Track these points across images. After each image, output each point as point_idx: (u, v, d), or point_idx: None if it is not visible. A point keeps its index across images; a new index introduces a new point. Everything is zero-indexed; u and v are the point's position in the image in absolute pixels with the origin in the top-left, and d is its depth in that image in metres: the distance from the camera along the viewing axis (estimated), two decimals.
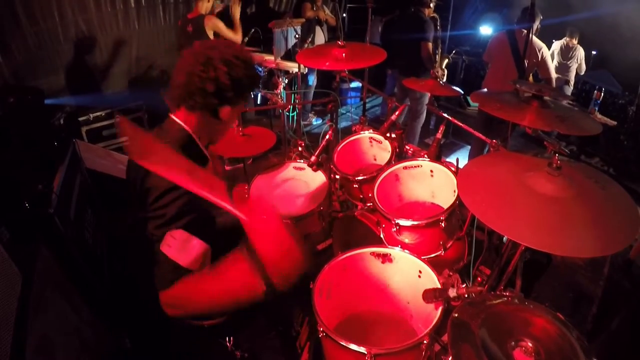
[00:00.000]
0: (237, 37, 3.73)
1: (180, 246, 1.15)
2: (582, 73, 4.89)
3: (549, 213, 1.11)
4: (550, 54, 4.78)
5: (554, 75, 3.48)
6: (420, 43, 3.73)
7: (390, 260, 1.60)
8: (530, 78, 3.61)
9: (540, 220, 1.10)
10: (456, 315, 1.11)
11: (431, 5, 3.83)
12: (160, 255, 1.15)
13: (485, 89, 3.61)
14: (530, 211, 1.13)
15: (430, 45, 3.73)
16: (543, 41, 3.38)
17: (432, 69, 3.76)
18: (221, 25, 3.63)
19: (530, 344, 1.02)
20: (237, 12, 3.72)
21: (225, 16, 3.79)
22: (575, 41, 4.73)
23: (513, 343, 1.03)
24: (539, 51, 3.32)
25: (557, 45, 4.85)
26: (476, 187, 1.27)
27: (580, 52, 4.75)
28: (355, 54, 2.17)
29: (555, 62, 4.83)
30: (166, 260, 1.14)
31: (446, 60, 4.28)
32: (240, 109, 1.34)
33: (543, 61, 3.37)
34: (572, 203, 1.13)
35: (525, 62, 3.16)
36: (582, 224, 1.08)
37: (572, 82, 4.87)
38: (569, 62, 4.77)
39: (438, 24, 4.01)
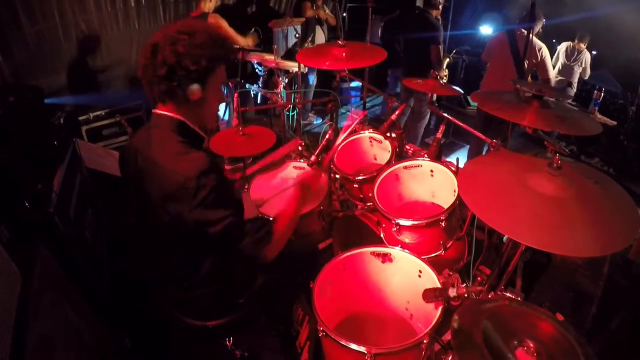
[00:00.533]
0: (239, 39, 3.76)
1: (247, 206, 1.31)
2: (587, 77, 4.81)
3: (549, 213, 1.11)
4: (555, 55, 4.75)
5: (552, 75, 3.47)
6: (429, 45, 3.72)
7: (391, 260, 1.60)
8: (529, 78, 3.61)
9: (540, 220, 1.10)
10: (459, 313, 1.11)
11: (440, 7, 3.82)
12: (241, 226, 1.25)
13: (484, 89, 3.62)
14: (531, 211, 1.13)
15: (440, 47, 3.73)
16: (543, 41, 3.38)
17: (439, 71, 3.77)
18: (224, 24, 3.63)
19: (532, 345, 1.03)
20: (250, 43, 3.92)
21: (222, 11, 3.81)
22: (583, 45, 4.64)
23: (516, 342, 1.04)
24: (539, 51, 3.32)
25: (563, 46, 4.79)
26: (477, 186, 1.27)
27: (587, 57, 4.67)
28: (355, 54, 2.17)
29: (560, 63, 4.78)
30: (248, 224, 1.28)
31: (447, 60, 4.27)
32: (214, 84, 1.24)
33: (542, 61, 3.36)
34: (572, 203, 1.13)
35: (525, 62, 3.16)
36: (582, 223, 1.08)
37: (574, 85, 4.83)
38: (572, 64, 4.71)
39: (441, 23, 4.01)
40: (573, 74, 4.73)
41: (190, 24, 1.19)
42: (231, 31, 3.68)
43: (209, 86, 1.22)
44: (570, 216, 1.10)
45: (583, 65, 4.71)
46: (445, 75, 4.22)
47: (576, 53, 4.69)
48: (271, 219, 1.36)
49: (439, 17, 3.98)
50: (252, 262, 1.32)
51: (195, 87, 1.18)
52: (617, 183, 1.24)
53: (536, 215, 1.11)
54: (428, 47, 3.73)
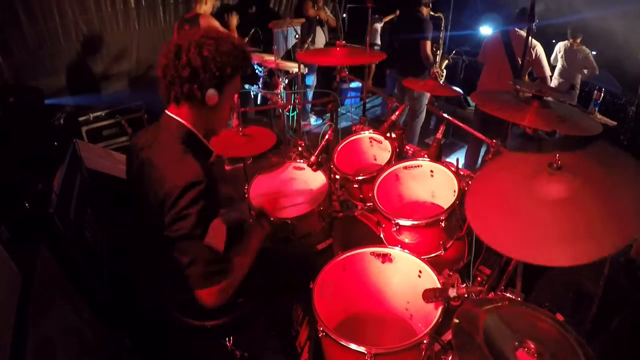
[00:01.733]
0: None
1: (215, 233, 1.17)
2: (597, 72, 4.62)
3: (557, 220, 1.06)
4: (553, 56, 4.72)
5: (548, 73, 3.46)
6: (419, 42, 3.73)
7: (390, 260, 1.60)
8: (526, 77, 3.60)
9: (548, 232, 1.05)
10: (459, 313, 1.11)
11: (430, 5, 3.82)
12: (200, 251, 1.15)
13: (481, 90, 3.62)
14: (537, 223, 1.07)
15: (428, 44, 3.73)
16: (540, 42, 3.38)
17: (431, 68, 3.77)
18: (216, 24, 3.65)
19: (532, 345, 1.03)
20: (233, 22, 3.88)
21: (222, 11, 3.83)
22: (579, 41, 4.55)
23: (516, 343, 1.04)
24: (533, 49, 3.31)
25: (560, 47, 4.72)
26: (483, 208, 1.23)
27: (586, 53, 4.55)
28: (355, 54, 2.18)
29: (560, 65, 4.70)
30: (209, 252, 1.16)
31: (445, 62, 4.26)
32: (230, 92, 1.28)
33: (537, 60, 3.36)
34: (576, 202, 1.08)
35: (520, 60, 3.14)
36: (592, 221, 1.03)
37: (578, 86, 4.71)
38: (577, 67, 4.60)
39: (442, 24, 4.01)
40: (575, 76, 4.67)
41: (216, 31, 1.23)
42: (224, 31, 3.71)
43: (226, 93, 1.25)
44: (577, 217, 1.05)
45: (589, 63, 4.58)
46: (442, 76, 4.21)
47: (575, 53, 4.60)
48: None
49: (441, 16, 3.98)
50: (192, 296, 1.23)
51: (212, 92, 1.21)
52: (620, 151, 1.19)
53: (544, 228, 1.06)
54: (418, 45, 3.74)
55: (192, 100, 1.21)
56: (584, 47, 4.59)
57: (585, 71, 4.63)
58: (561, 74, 4.69)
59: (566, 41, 4.70)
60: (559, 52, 4.74)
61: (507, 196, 1.21)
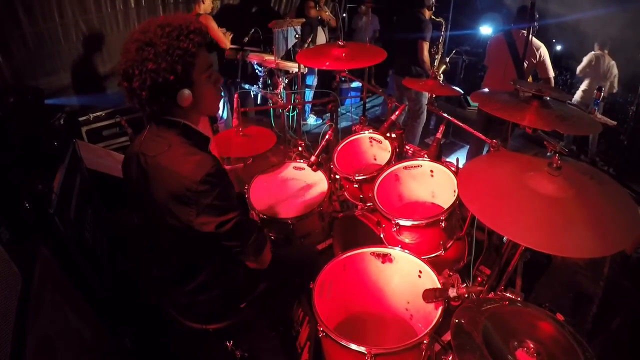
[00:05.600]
0: (225, 41, 3.91)
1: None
2: (615, 90, 4.50)
3: (549, 213, 1.11)
4: (581, 68, 4.55)
5: (552, 74, 3.47)
6: (417, 43, 3.73)
7: (391, 260, 1.60)
8: (530, 78, 3.60)
9: (540, 221, 1.09)
10: (459, 313, 1.11)
11: (433, 8, 3.82)
12: (250, 226, 1.31)
13: (486, 90, 3.61)
14: (530, 211, 1.12)
15: (426, 45, 3.73)
16: (542, 41, 3.38)
17: (425, 67, 3.77)
18: (214, 25, 3.74)
19: (532, 345, 1.03)
20: (227, 43, 3.98)
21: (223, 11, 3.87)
22: (606, 52, 4.45)
23: (516, 343, 1.04)
24: (537, 51, 3.32)
25: (587, 59, 4.61)
26: (476, 187, 1.27)
27: (614, 69, 4.41)
28: (355, 54, 2.17)
29: (585, 76, 4.63)
30: (255, 224, 1.40)
31: (443, 67, 4.24)
32: (201, 74, 1.16)
33: (542, 61, 3.36)
34: (572, 203, 1.12)
35: (524, 62, 3.15)
36: (582, 224, 1.07)
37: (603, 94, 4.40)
38: (598, 76, 4.47)
39: (442, 28, 4.02)
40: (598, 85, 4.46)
41: (144, 29, 1.10)
42: (219, 33, 3.82)
43: (197, 81, 1.15)
44: (570, 217, 1.09)
45: (610, 79, 4.45)
46: (440, 77, 4.20)
47: (607, 67, 4.44)
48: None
49: (442, 21, 3.99)
50: (250, 265, 1.33)
51: (185, 92, 1.13)
52: (615, 180, 1.24)
53: (536, 216, 1.11)
54: (415, 46, 3.74)
55: (170, 109, 1.17)
56: (612, 62, 4.49)
57: (608, 84, 4.49)
58: (588, 84, 4.58)
59: (592, 52, 4.60)
60: (591, 63, 4.60)
61: (501, 180, 1.26)
